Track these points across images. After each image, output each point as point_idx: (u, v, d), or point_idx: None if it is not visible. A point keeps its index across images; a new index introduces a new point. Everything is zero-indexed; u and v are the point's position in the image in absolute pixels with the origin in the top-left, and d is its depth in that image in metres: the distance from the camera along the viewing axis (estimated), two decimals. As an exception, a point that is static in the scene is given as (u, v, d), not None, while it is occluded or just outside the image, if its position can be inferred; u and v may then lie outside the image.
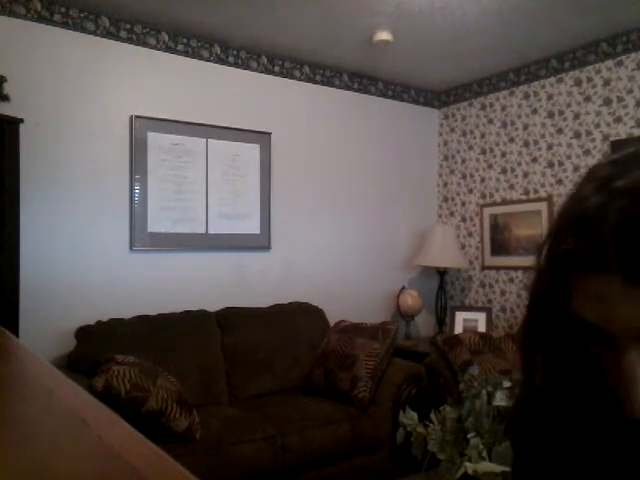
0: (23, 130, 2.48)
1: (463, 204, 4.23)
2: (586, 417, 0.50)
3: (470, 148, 4.17)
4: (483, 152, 4.08)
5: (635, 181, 0.42)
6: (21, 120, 2.46)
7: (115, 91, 3.05)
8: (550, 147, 3.64)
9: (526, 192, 3.78)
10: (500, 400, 1.99)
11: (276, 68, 3.62)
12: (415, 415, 2.19)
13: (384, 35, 3.17)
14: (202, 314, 3.10)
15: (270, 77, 3.60)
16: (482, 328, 3.69)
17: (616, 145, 3.23)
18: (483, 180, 4.08)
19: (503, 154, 3.94)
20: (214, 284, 3.33)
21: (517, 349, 0.54)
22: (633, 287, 0.40)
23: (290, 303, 3.45)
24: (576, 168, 3.49)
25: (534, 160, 3.73)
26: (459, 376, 2.71)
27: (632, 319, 0.41)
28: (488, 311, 3.82)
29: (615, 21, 3.08)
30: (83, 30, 2.94)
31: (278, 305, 3.39)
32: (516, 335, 0.56)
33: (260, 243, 3.52)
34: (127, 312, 2.91)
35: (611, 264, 0.41)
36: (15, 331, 2.29)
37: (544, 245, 0.48)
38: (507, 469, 1.78)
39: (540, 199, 3.66)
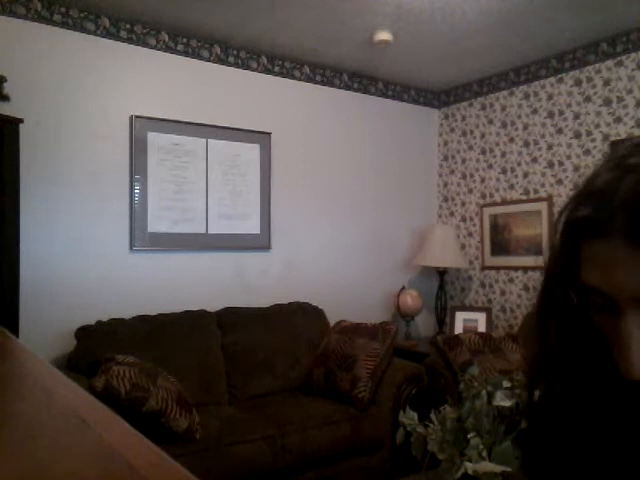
0: (23, 130, 2.48)
1: (463, 204, 4.23)
2: (594, 384, 0.53)
3: (470, 148, 4.17)
4: (483, 152, 4.08)
5: None
6: (21, 120, 2.46)
7: (115, 91, 3.05)
8: (550, 147, 3.64)
9: (526, 192, 3.78)
10: (500, 400, 1.99)
11: (276, 68, 3.62)
12: (415, 415, 2.19)
13: (384, 35, 3.17)
14: (202, 314, 3.10)
15: (270, 77, 3.60)
16: (482, 328, 3.70)
17: (616, 145, 3.23)
18: (483, 180, 4.08)
19: (503, 154, 3.94)
20: (214, 284, 3.33)
21: (535, 316, 0.57)
22: (635, 251, 0.43)
23: (290, 303, 3.45)
24: (576, 168, 3.49)
25: (534, 160, 3.74)
26: (459, 376, 2.71)
27: (633, 282, 0.44)
28: (488, 311, 3.82)
29: (615, 21, 3.08)
30: (83, 30, 2.94)
31: (278, 305, 3.39)
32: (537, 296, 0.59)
33: (260, 243, 3.52)
34: (127, 312, 2.91)
35: (617, 230, 0.44)
36: (15, 331, 2.29)
37: (561, 215, 0.51)
38: (507, 469, 1.78)
39: (540, 199, 3.66)
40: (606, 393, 0.51)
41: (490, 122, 4.03)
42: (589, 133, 3.42)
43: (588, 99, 3.43)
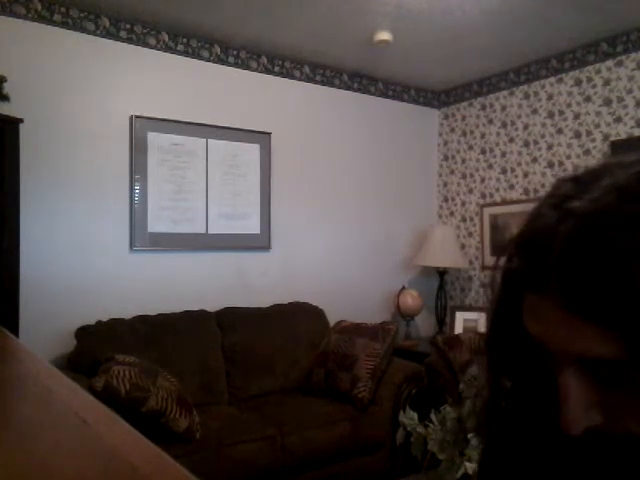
0: (23, 130, 2.48)
1: (463, 204, 4.23)
2: (542, 428, 0.51)
3: (470, 148, 4.17)
4: (483, 152, 4.08)
5: (588, 203, 0.41)
6: (21, 120, 2.45)
7: (115, 91, 3.05)
8: (550, 147, 3.64)
9: (526, 192, 3.78)
10: (500, 400, 1.99)
11: (276, 68, 3.62)
12: (415, 415, 2.19)
13: (384, 35, 3.17)
14: (202, 314, 3.10)
15: (270, 77, 3.59)
16: (482, 328, 3.69)
17: (616, 145, 3.24)
18: (483, 180, 4.08)
19: (503, 154, 3.94)
20: (214, 284, 3.33)
21: (484, 355, 0.55)
22: (569, 313, 0.41)
23: (290, 303, 3.45)
24: (576, 168, 3.48)
25: (534, 160, 3.74)
26: (459, 376, 2.71)
27: (567, 343, 0.42)
28: (488, 311, 3.81)
29: (615, 21, 3.08)
30: (83, 30, 2.94)
31: (278, 305, 3.39)
32: (483, 342, 0.57)
33: (260, 243, 3.52)
34: (127, 312, 2.91)
35: (551, 287, 0.41)
36: (15, 331, 2.29)
37: (499, 258, 0.48)
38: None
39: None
40: (554, 441, 0.50)
41: (490, 122, 4.03)
42: (589, 133, 3.42)
43: (588, 99, 3.43)
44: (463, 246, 4.18)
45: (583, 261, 0.39)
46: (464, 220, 4.22)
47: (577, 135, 3.48)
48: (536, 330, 0.44)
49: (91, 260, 2.96)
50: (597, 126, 3.38)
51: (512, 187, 3.87)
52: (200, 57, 3.32)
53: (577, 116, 3.49)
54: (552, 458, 0.51)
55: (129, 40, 3.08)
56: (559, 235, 0.41)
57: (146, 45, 3.14)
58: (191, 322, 3.01)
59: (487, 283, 0.51)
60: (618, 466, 0.47)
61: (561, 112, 3.58)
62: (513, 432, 0.54)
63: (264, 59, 3.56)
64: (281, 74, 3.64)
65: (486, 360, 0.54)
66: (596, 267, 0.39)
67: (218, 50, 3.38)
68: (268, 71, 3.59)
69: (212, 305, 3.19)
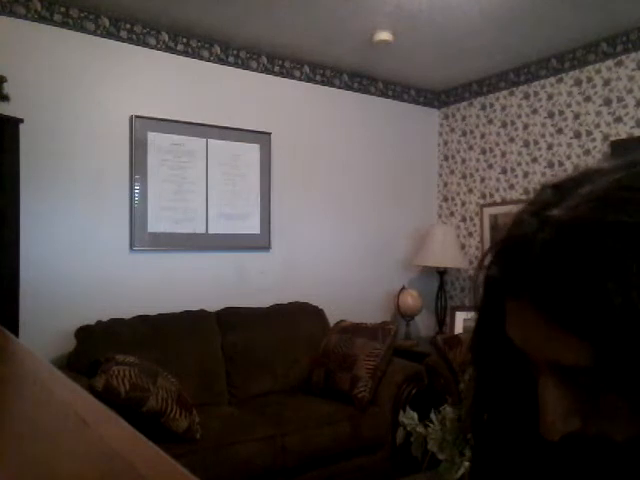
0: (23, 130, 2.48)
1: (463, 204, 4.23)
2: (525, 433, 0.52)
3: (470, 148, 4.17)
4: (483, 152, 4.08)
5: (566, 211, 0.41)
6: (21, 120, 2.45)
7: (115, 91, 3.05)
8: (550, 147, 3.64)
9: (526, 192, 3.78)
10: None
11: (276, 68, 3.62)
12: (415, 415, 2.19)
13: (384, 35, 3.17)
14: (202, 314, 3.10)
15: (270, 77, 3.60)
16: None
17: (616, 145, 3.24)
18: (483, 180, 4.08)
19: (503, 154, 3.94)
20: (214, 284, 3.33)
21: (469, 360, 0.56)
22: (545, 321, 0.41)
23: (290, 303, 3.45)
24: (576, 168, 3.48)
25: (534, 160, 3.74)
26: (459, 376, 2.71)
27: (544, 350, 0.43)
28: (488, 311, 3.81)
29: (615, 21, 3.08)
30: (83, 30, 2.94)
31: (278, 305, 3.39)
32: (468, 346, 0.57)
33: (260, 243, 3.52)
34: (127, 312, 2.91)
35: (528, 295, 0.42)
36: (15, 331, 2.29)
37: (482, 262, 0.49)
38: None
39: (540, 199, 3.66)
40: (535, 446, 0.51)
41: (490, 122, 4.03)
42: (589, 133, 3.42)
43: (588, 99, 3.43)
44: (463, 246, 4.18)
45: (558, 269, 0.40)
46: (464, 220, 4.22)
47: (577, 135, 3.48)
48: (516, 336, 0.45)
49: (91, 260, 2.96)
50: (597, 126, 3.38)
51: (512, 187, 3.87)
52: (200, 57, 3.32)
53: (577, 116, 3.49)
54: (534, 463, 0.52)
55: (129, 40, 3.08)
56: (536, 243, 0.41)
57: (146, 45, 3.14)
58: (191, 322, 3.01)
59: (470, 286, 0.52)
60: (595, 470, 0.48)
61: (561, 112, 3.58)
62: (497, 437, 0.54)
63: (264, 59, 3.57)
64: (281, 74, 3.64)
65: (471, 365, 0.55)
66: (570, 276, 0.39)
67: (218, 50, 3.38)
68: (268, 71, 3.59)
69: (212, 305, 3.19)
